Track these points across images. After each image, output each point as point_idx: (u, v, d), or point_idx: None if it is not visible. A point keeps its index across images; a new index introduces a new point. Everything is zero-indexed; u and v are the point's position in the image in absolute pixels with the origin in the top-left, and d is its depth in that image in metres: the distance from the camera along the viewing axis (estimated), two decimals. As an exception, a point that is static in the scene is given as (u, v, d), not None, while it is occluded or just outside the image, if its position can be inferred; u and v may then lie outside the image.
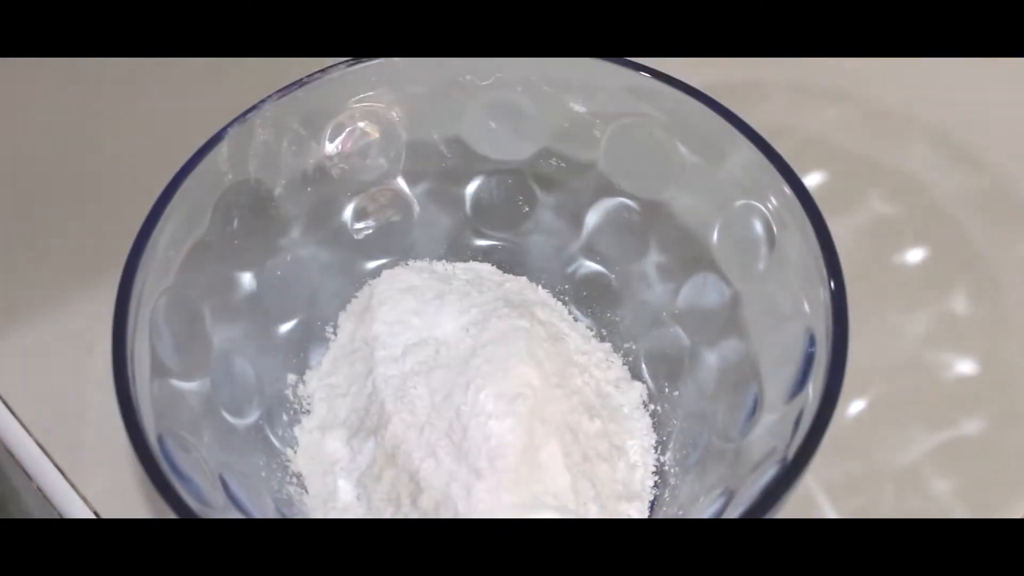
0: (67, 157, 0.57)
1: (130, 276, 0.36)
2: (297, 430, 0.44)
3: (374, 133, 0.45)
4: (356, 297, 0.47)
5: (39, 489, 0.45)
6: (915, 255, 0.51)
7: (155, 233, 0.38)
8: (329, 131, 0.44)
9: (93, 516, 0.43)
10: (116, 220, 0.41)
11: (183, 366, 0.39)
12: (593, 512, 0.40)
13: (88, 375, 0.46)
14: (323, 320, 0.47)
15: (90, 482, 0.44)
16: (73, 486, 0.44)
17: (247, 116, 0.41)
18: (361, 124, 0.45)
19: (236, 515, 0.37)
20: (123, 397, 0.34)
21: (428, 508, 0.39)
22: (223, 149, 0.40)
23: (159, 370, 0.37)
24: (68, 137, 0.58)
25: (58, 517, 0.44)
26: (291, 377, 0.45)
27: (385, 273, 0.47)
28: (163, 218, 0.38)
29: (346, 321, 0.47)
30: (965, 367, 0.47)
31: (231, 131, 0.41)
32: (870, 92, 0.58)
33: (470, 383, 0.41)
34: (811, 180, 0.54)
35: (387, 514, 0.40)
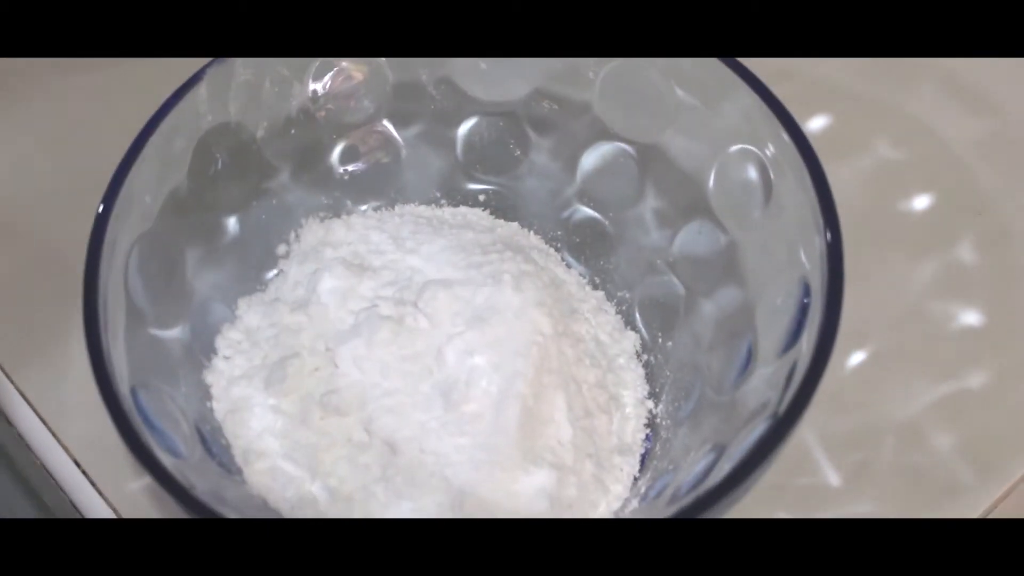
0: (47, 105, 0.55)
1: (103, 221, 0.35)
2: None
3: (359, 74, 0.44)
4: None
5: (20, 436, 0.44)
6: (921, 202, 0.50)
7: (129, 177, 0.36)
8: (313, 72, 0.43)
9: (72, 463, 0.43)
10: (95, 164, 0.39)
11: (162, 314, 0.38)
12: (588, 469, 0.39)
13: (70, 321, 0.45)
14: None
15: (70, 430, 0.44)
16: (53, 433, 0.44)
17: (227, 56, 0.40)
18: (345, 64, 0.43)
19: (212, 467, 0.36)
20: (94, 346, 0.33)
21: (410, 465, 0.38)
22: (202, 90, 0.39)
23: (135, 318, 0.37)
24: (46, 80, 0.56)
25: (40, 464, 0.43)
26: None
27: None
28: (138, 162, 0.37)
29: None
30: (970, 318, 0.46)
31: (210, 71, 0.39)
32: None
33: (471, 331, 0.40)
34: (814, 124, 0.52)
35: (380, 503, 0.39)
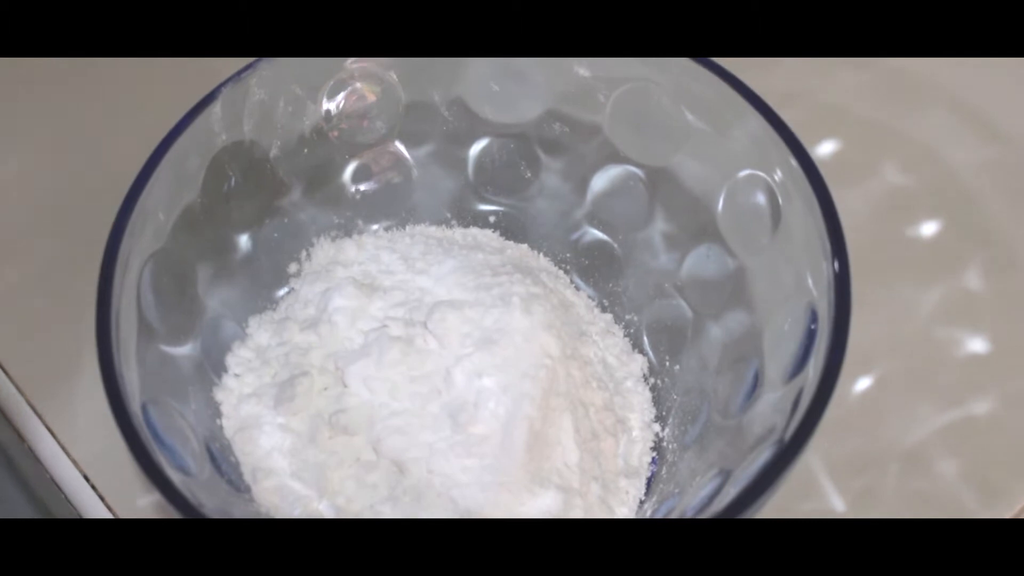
0: (62, 116, 0.56)
1: (117, 238, 0.36)
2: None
3: (372, 95, 0.44)
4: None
5: (31, 450, 0.44)
6: (928, 228, 0.50)
7: (143, 195, 0.36)
8: (326, 91, 0.43)
9: (82, 478, 0.43)
10: (108, 180, 0.40)
11: (173, 331, 0.39)
12: (594, 491, 0.39)
13: (81, 337, 0.45)
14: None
15: (81, 444, 0.44)
16: (62, 447, 0.44)
17: (242, 75, 0.40)
18: (359, 85, 0.44)
19: (221, 484, 0.36)
20: (105, 362, 0.33)
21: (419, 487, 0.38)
22: (216, 109, 0.39)
23: (147, 335, 0.37)
24: (63, 97, 0.57)
25: (50, 479, 0.43)
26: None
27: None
28: (152, 179, 0.37)
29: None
30: (976, 345, 0.46)
31: (225, 91, 0.40)
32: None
33: (480, 353, 0.40)
34: (823, 148, 0.52)
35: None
